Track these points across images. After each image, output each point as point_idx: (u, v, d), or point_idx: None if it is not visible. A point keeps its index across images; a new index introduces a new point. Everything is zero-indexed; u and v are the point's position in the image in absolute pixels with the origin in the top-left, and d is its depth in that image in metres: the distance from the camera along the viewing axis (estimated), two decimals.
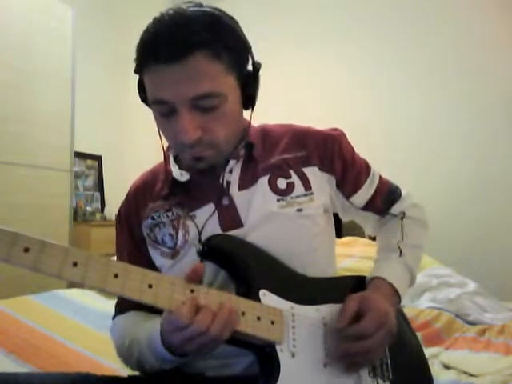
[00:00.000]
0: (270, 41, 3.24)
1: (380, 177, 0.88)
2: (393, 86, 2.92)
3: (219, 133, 0.69)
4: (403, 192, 0.90)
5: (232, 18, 0.72)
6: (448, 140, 2.73)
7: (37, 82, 2.50)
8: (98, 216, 3.06)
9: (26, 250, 0.52)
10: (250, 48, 0.73)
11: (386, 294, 0.74)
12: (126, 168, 3.41)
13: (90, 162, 3.26)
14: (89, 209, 3.09)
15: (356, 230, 2.28)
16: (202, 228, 0.74)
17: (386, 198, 0.87)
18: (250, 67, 0.73)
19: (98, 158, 3.33)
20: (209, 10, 0.68)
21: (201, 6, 0.69)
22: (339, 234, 2.35)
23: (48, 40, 2.56)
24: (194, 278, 0.60)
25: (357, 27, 3.05)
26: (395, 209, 0.88)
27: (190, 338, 0.57)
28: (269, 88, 3.05)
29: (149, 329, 0.67)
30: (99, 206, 3.25)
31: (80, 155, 3.08)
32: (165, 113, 0.68)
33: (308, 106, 3.10)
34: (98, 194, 3.29)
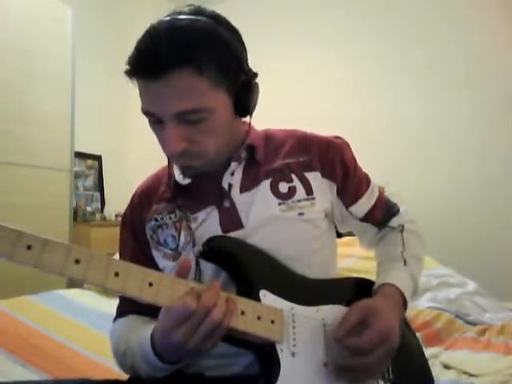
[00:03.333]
0: (270, 41, 3.24)
1: (380, 191, 0.89)
2: (393, 85, 2.92)
3: (207, 144, 0.69)
4: (401, 209, 0.91)
5: (228, 23, 0.71)
6: (448, 140, 2.73)
7: (37, 82, 2.50)
8: (97, 216, 3.06)
9: (29, 247, 0.53)
10: (243, 57, 0.72)
11: (395, 302, 0.73)
12: (126, 168, 3.41)
13: (89, 161, 3.26)
14: (89, 209, 3.09)
15: None
16: (198, 228, 0.74)
17: (386, 211, 0.88)
18: (253, 79, 0.72)
19: (98, 158, 3.33)
20: (201, 20, 0.67)
21: (197, 12, 0.69)
22: (339, 234, 2.35)
23: (48, 40, 2.56)
24: (183, 273, 0.61)
25: (357, 27, 3.05)
26: (394, 222, 0.88)
27: (196, 325, 0.57)
28: (268, 88, 3.05)
29: (141, 337, 0.68)
30: (99, 206, 3.25)
31: (80, 155, 3.07)
32: (154, 122, 0.69)
33: (308, 106, 3.10)
34: (97, 194, 3.29)
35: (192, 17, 0.67)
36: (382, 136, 2.89)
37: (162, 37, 0.63)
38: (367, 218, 0.86)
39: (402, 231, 0.87)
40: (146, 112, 0.69)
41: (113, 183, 3.34)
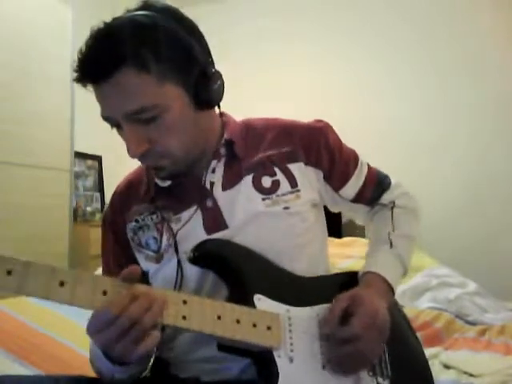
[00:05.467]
0: (270, 40, 3.24)
1: (369, 167, 0.87)
2: (393, 85, 2.92)
3: (168, 142, 0.67)
4: (393, 181, 0.89)
5: (177, 15, 0.68)
6: (449, 140, 2.73)
7: (37, 82, 2.50)
8: (97, 216, 3.05)
9: (9, 272, 0.50)
10: (194, 47, 0.67)
11: (378, 289, 0.73)
12: (126, 168, 3.38)
13: (90, 162, 3.25)
14: (89, 209, 3.08)
15: (356, 231, 2.28)
16: (181, 229, 0.73)
17: (376, 188, 0.86)
18: (209, 69, 0.69)
19: (98, 158, 3.32)
20: (140, 15, 0.65)
21: (145, 7, 0.67)
22: (339, 234, 2.35)
23: (48, 40, 2.56)
24: (129, 279, 0.57)
25: (357, 26, 3.05)
26: (385, 198, 0.87)
27: (118, 333, 0.53)
28: (267, 87, 3.05)
29: None
30: (99, 207, 3.25)
31: (80, 155, 3.07)
32: (115, 126, 0.68)
33: (308, 105, 3.10)
34: (97, 195, 3.29)
35: (132, 13, 0.66)
36: (383, 136, 2.89)
37: (98, 40, 0.63)
38: (358, 198, 0.85)
39: (392, 208, 0.85)
40: (103, 117, 0.68)
41: (113, 183, 3.30)
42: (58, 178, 2.63)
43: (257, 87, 3.05)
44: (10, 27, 2.37)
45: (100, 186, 3.32)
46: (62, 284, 0.52)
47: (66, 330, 1.38)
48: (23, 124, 2.43)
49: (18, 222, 2.35)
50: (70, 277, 0.53)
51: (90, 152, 3.22)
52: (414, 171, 2.76)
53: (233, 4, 3.33)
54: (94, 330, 0.56)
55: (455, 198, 2.66)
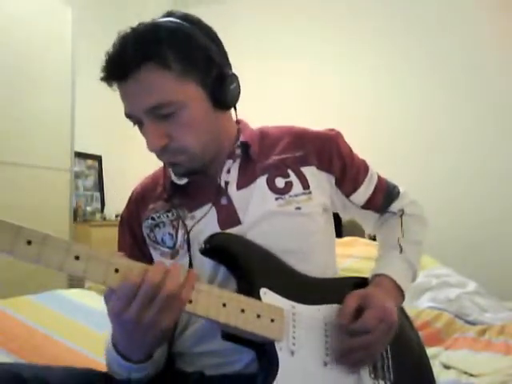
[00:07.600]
0: (271, 38, 3.24)
1: (378, 176, 0.90)
2: (393, 83, 2.93)
3: (186, 139, 0.70)
4: (401, 190, 0.91)
5: (197, 21, 0.73)
6: (449, 139, 2.74)
7: (37, 83, 2.50)
8: (97, 216, 3.06)
9: (29, 242, 0.54)
10: (212, 49, 0.72)
11: (388, 290, 0.75)
12: (126, 168, 3.41)
13: (90, 161, 3.26)
14: (89, 209, 3.09)
15: (356, 230, 2.28)
16: (196, 225, 0.75)
17: (385, 196, 0.89)
18: (226, 70, 0.73)
19: (98, 158, 3.33)
20: (163, 20, 0.71)
21: (167, 15, 0.72)
22: (339, 234, 2.35)
23: (48, 40, 2.56)
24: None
25: (359, 26, 3.05)
26: (394, 207, 0.89)
27: (148, 299, 0.56)
28: (270, 86, 3.05)
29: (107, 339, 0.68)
30: (99, 206, 3.25)
31: (80, 155, 3.07)
32: (137, 123, 0.72)
33: (310, 104, 3.10)
34: (98, 194, 3.29)
35: (156, 19, 0.72)
36: (382, 135, 2.90)
37: (124, 40, 0.68)
38: (368, 205, 0.87)
39: (401, 216, 0.88)
40: (126, 115, 0.72)
41: (113, 183, 3.34)
42: (58, 177, 2.63)
43: (256, 88, 3.05)
44: (10, 27, 2.37)
45: (100, 185, 3.32)
46: (77, 258, 0.56)
47: (66, 329, 1.38)
48: (23, 124, 2.43)
49: (18, 222, 2.35)
50: (85, 252, 0.56)
51: (90, 152, 3.22)
52: (414, 170, 2.77)
53: (232, 5, 3.33)
54: (120, 305, 0.57)
55: (455, 198, 2.66)
